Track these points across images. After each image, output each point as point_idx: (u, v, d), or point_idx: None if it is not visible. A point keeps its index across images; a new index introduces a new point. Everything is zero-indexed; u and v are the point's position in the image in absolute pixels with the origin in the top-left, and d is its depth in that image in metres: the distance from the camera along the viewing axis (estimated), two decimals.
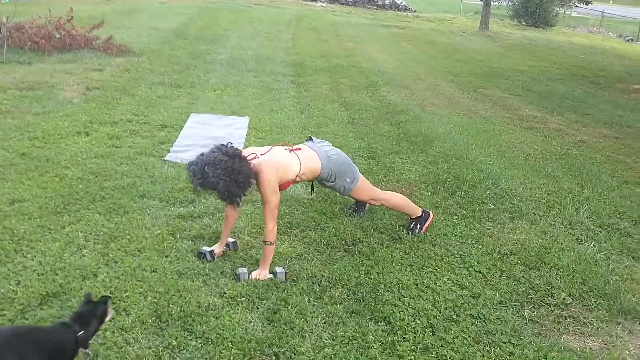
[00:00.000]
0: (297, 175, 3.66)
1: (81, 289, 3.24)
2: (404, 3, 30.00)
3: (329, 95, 8.83)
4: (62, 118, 6.53)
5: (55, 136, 5.89)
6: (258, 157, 3.52)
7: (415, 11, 28.87)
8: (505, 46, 17.69)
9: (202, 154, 3.40)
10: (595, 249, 4.20)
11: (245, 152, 3.52)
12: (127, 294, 3.22)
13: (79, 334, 2.48)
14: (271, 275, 3.51)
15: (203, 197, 4.58)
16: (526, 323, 3.26)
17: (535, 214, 4.77)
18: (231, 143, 3.46)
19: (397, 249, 4.01)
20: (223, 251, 3.79)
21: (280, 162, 3.58)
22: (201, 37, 13.90)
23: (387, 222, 4.40)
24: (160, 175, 5.02)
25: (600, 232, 4.55)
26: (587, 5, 33.41)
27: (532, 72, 12.72)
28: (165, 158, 5.49)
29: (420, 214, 4.24)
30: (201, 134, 6.31)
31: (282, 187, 3.63)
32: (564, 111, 9.08)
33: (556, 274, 3.80)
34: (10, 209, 4.16)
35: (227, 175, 3.28)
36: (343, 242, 4.07)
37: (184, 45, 12.40)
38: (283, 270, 3.53)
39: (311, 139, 4.00)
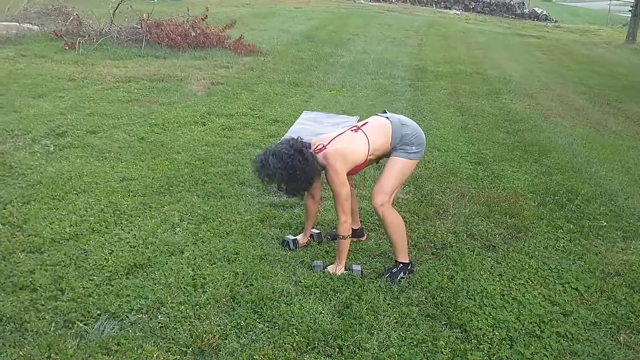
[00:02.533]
0: (367, 156, 3.38)
1: (166, 263, 3.41)
2: (544, 13, 28.54)
3: (446, 100, 8.59)
4: (184, 108, 6.92)
5: (174, 124, 6.25)
6: (325, 149, 3.35)
7: (556, 21, 27.36)
8: None
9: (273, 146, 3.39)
10: None
11: (313, 143, 3.42)
12: (207, 272, 3.33)
13: None
14: (347, 272, 3.45)
15: None
16: (619, 348, 2.94)
17: None
18: (301, 138, 3.40)
19: (489, 257, 3.79)
20: (307, 241, 3.80)
21: (345, 150, 3.32)
22: (328, 40, 14.12)
23: (483, 229, 4.18)
24: None
25: None
26: None
27: None
28: None
29: (408, 262, 3.54)
30: (309, 130, 6.40)
31: (354, 170, 3.45)
32: None
33: None
34: (119, 186, 4.47)
35: (286, 169, 3.21)
36: (432, 244, 3.93)
37: (310, 48, 12.66)
38: (359, 269, 3.46)
39: (385, 112, 3.61)
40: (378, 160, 3.62)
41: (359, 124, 3.48)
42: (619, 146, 6.76)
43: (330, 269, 3.44)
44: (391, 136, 3.38)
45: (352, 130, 3.43)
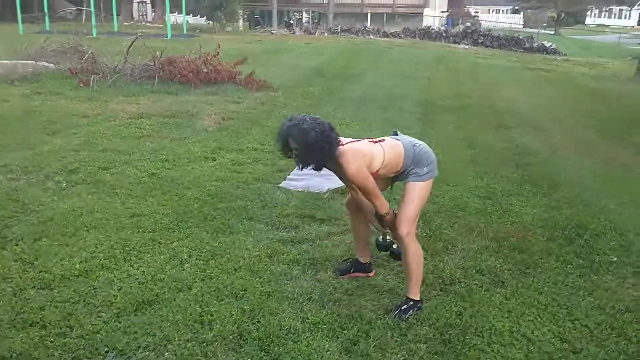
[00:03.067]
0: (380, 167, 3.39)
1: (174, 299, 3.42)
2: (553, 46, 28.76)
3: (455, 133, 8.64)
4: (195, 144, 7.01)
5: (184, 160, 6.34)
6: (342, 145, 3.34)
7: (565, 54, 27.54)
8: None
9: None
10: None
11: None
12: (214, 309, 3.34)
13: None
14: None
15: (307, 224, 4.67)
16: None
17: None
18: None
19: (498, 293, 3.77)
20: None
21: (364, 150, 3.35)
22: (338, 75, 14.31)
23: (492, 265, 4.17)
24: (272, 201, 5.18)
25: None
26: None
27: None
28: (280, 185, 5.67)
29: (419, 299, 3.54)
30: None
31: None
32: None
33: None
34: (129, 222, 4.52)
35: (321, 133, 3.17)
36: (440, 280, 3.91)
37: (320, 83, 12.82)
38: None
39: (396, 133, 3.67)
40: (391, 187, 3.72)
41: (376, 138, 3.52)
42: (629, 179, 6.74)
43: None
44: (403, 156, 3.44)
45: (368, 141, 3.47)
